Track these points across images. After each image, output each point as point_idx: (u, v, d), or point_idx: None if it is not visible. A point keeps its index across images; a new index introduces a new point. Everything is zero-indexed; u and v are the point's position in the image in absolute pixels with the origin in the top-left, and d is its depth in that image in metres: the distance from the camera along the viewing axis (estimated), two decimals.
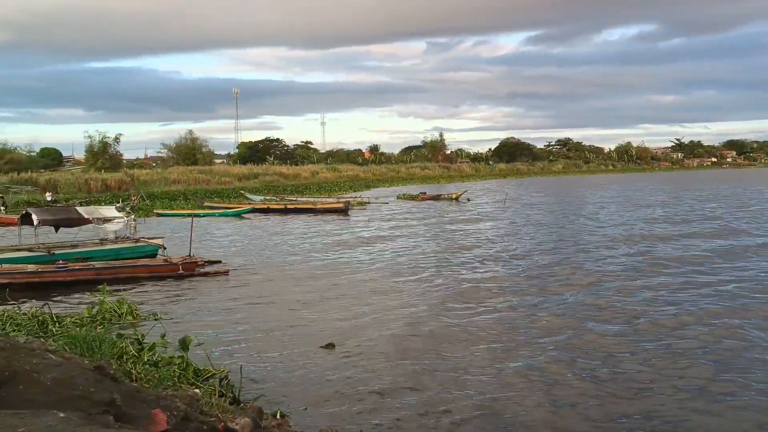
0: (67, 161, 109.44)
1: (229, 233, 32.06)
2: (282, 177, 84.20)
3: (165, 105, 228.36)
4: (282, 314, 14.30)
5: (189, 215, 31.44)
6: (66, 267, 18.14)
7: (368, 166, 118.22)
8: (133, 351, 9.26)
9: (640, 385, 9.49)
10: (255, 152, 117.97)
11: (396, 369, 10.33)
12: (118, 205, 32.65)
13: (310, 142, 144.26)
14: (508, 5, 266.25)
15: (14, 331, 10.88)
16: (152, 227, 33.14)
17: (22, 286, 17.02)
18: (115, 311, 13.18)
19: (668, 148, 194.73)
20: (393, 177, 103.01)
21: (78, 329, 10.23)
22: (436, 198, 56.79)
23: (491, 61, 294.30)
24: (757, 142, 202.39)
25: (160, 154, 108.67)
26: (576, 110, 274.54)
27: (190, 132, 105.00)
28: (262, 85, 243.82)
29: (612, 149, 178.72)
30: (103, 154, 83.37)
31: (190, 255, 20.23)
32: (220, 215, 42.50)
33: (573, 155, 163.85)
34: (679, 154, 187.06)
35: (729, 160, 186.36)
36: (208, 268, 19.98)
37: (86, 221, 21.66)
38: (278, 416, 8.02)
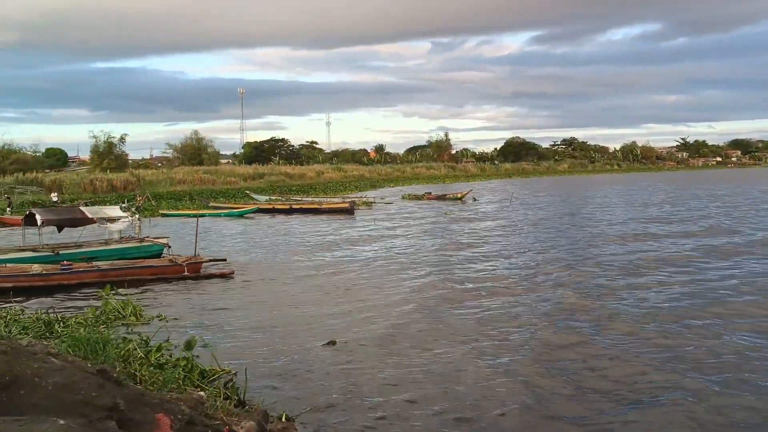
0: (73, 161, 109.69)
1: (234, 233, 32.02)
2: (287, 177, 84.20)
3: (170, 105, 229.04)
4: (287, 314, 14.22)
5: (194, 215, 31.42)
6: (70, 267, 18.07)
7: (373, 166, 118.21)
8: (141, 353, 9.18)
9: (649, 385, 9.40)
10: (260, 152, 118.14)
11: (400, 368, 10.24)
12: (123, 205, 32.65)
13: (316, 142, 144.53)
14: (512, 5, 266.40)
15: (20, 333, 10.81)
16: (158, 227, 33.10)
17: (26, 289, 16.97)
18: (119, 312, 13.11)
19: (673, 147, 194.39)
20: (398, 177, 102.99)
21: (82, 330, 10.15)
22: (442, 198, 56.68)
23: (495, 61, 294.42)
24: (762, 141, 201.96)
25: (165, 155, 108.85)
26: (580, 110, 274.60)
27: (196, 132, 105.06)
28: (267, 85, 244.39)
29: (617, 149, 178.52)
30: (108, 155, 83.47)
31: (195, 255, 20.16)
32: (226, 215, 42.48)
33: (578, 155, 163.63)
34: (684, 154, 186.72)
35: (734, 159, 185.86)
36: (212, 269, 19.91)
37: (90, 221, 21.62)
38: (284, 419, 7.93)
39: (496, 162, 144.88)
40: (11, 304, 14.88)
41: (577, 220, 35.58)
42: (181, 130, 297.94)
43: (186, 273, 18.94)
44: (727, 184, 76.96)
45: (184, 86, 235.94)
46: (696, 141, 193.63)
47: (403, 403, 8.83)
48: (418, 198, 57.67)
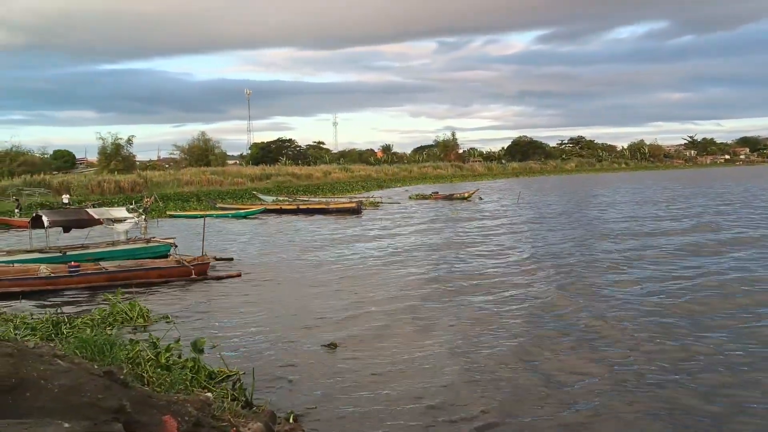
0: (80, 163, 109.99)
1: (241, 234, 32.03)
2: (294, 177, 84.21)
3: (177, 106, 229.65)
4: (294, 315, 14.20)
5: (201, 216, 31.45)
6: (78, 269, 18.10)
7: (380, 165, 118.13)
8: (149, 355, 9.16)
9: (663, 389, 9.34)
10: (267, 153, 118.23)
11: (407, 369, 10.21)
12: (130, 206, 32.71)
13: (323, 143, 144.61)
14: (518, 4, 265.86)
15: (27, 335, 10.82)
16: (165, 228, 33.16)
17: (35, 292, 17.02)
18: (126, 314, 13.11)
19: (681, 145, 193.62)
20: (405, 177, 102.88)
21: (89, 331, 10.15)
22: (449, 197, 56.58)
23: (501, 60, 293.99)
24: None
25: (172, 156, 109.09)
26: (587, 109, 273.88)
27: (203, 133, 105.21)
28: (274, 85, 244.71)
29: (625, 147, 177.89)
30: (115, 156, 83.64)
31: (203, 256, 20.17)
32: (233, 216, 42.51)
33: (586, 154, 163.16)
34: (692, 152, 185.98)
35: (742, 157, 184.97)
36: (220, 271, 19.91)
37: (97, 222, 21.67)
38: (291, 420, 7.91)
39: (503, 161, 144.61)
40: (19, 305, 14.93)
41: (583, 219, 35.44)
42: (188, 131, 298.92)
43: (193, 274, 18.94)
44: (744, 181, 76.56)
45: (191, 87, 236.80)
46: (704, 139, 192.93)
47: (410, 404, 8.80)
48: (425, 198, 57.61)
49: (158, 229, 31.79)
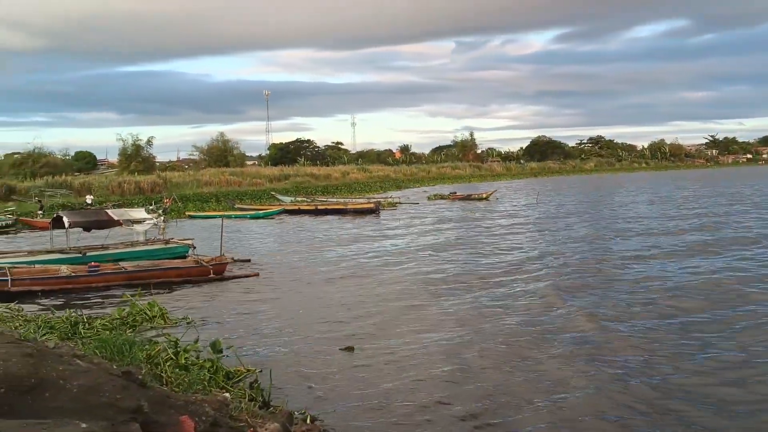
0: (101, 164, 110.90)
1: (259, 234, 32.17)
2: (313, 178, 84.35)
3: (196, 107, 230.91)
4: (311, 315, 14.23)
5: (220, 217, 31.63)
6: (98, 269, 18.30)
7: (399, 166, 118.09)
8: (170, 354, 9.22)
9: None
10: (286, 153, 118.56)
11: (424, 372, 10.19)
12: (149, 207, 32.93)
13: (341, 143, 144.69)
14: (536, 4, 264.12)
15: (47, 333, 10.93)
16: (184, 229, 33.39)
17: (55, 291, 17.24)
18: (146, 314, 13.20)
19: (702, 144, 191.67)
20: (424, 177, 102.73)
21: (108, 333, 10.24)
22: (467, 198, 56.46)
23: (520, 60, 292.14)
24: None
25: (192, 157, 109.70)
26: (607, 108, 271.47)
27: (222, 134, 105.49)
28: (292, 86, 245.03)
29: (645, 147, 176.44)
30: (135, 157, 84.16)
31: (221, 256, 20.29)
32: (251, 217, 42.70)
33: (605, 153, 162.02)
34: (714, 151, 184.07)
35: (765, 156, 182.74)
36: (237, 271, 20.00)
37: (116, 223, 21.85)
38: (308, 421, 7.92)
39: (521, 161, 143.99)
40: (40, 305, 15.09)
41: (601, 220, 35.20)
42: (207, 132, 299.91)
43: (211, 274, 19.07)
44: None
45: (210, 89, 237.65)
46: (725, 138, 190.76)
47: (427, 408, 8.77)
48: (443, 198, 57.54)
49: (177, 229, 32.03)
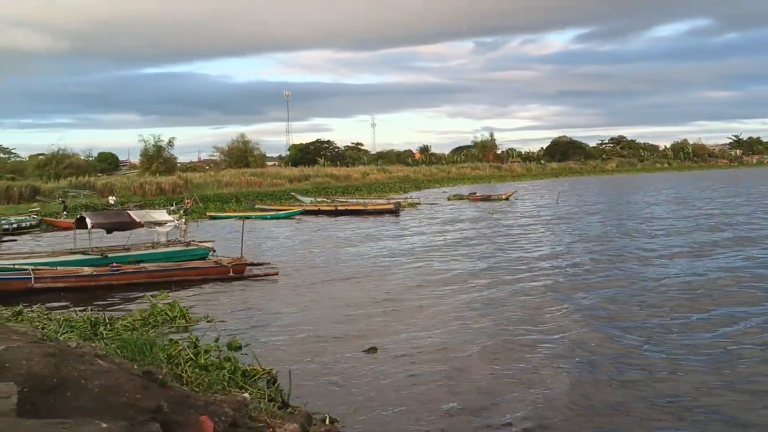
0: (124, 165, 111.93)
1: (279, 235, 32.28)
2: (333, 178, 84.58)
3: (217, 108, 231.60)
4: (330, 315, 14.25)
5: (240, 217, 31.78)
6: (119, 269, 18.53)
7: (418, 166, 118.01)
8: (190, 354, 9.29)
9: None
10: (306, 154, 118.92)
11: (442, 374, 10.16)
12: (171, 207, 33.17)
13: (361, 144, 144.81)
14: (556, 3, 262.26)
15: (68, 332, 11.05)
16: (205, 230, 33.60)
17: (77, 289, 17.45)
18: (167, 314, 13.30)
19: (726, 144, 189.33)
20: (443, 177, 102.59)
21: (130, 333, 10.33)
22: (487, 198, 56.29)
23: (540, 60, 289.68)
24: None
25: (212, 157, 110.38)
26: (628, 108, 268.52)
27: (242, 135, 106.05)
28: (312, 87, 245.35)
29: (667, 147, 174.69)
30: (157, 158, 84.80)
31: (240, 257, 20.40)
32: (271, 217, 42.88)
33: (627, 153, 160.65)
34: (738, 151, 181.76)
35: None
36: (257, 270, 20.11)
37: (138, 225, 22.04)
38: (327, 422, 7.93)
39: (542, 162, 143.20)
40: (62, 305, 15.25)
41: (621, 221, 34.93)
42: (227, 133, 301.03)
43: (231, 274, 19.19)
44: None
45: (231, 90, 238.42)
46: (750, 138, 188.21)
47: (450, 410, 8.75)
48: (462, 198, 57.40)
49: (198, 230, 32.22)
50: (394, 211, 43.62)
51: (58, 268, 18.65)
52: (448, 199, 58.35)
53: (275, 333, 12.85)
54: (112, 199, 50.21)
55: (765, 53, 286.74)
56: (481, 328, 12.91)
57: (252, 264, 20.54)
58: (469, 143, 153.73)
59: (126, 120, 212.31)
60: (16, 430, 3.64)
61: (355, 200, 53.85)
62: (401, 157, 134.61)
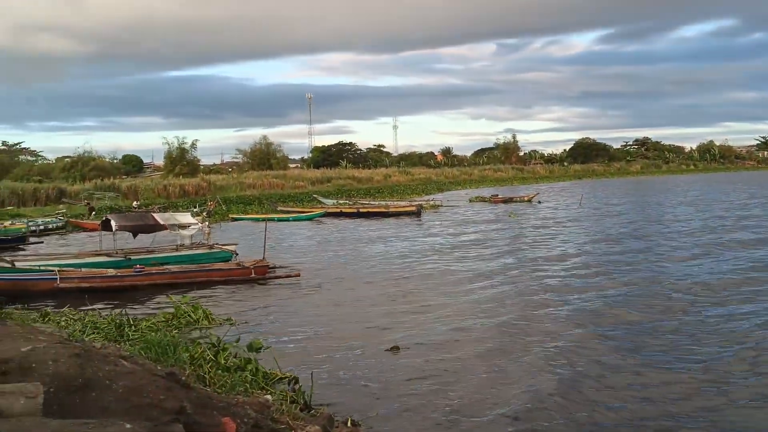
0: (148, 167, 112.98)
1: (302, 237, 32.40)
2: (355, 180, 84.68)
3: (239, 111, 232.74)
4: (352, 317, 14.29)
5: (263, 219, 31.91)
6: (143, 271, 18.74)
7: (440, 168, 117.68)
8: (210, 355, 9.35)
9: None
10: (328, 156, 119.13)
11: (465, 375, 10.13)
12: (194, 210, 33.40)
13: (383, 146, 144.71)
14: (579, 4, 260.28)
15: (93, 334, 11.17)
16: (228, 232, 33.80)
17: (102, 290, 17.66)
18: (190, 316, 13.40)
19: (753, 146, 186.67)
20: (465, 179, 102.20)
21: (153, 334, 10.42)
22: (509, 200, 56.01)
23: (563, 61, 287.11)
24: None
25: (235, 159, 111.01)
26: (653, 109, 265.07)
27: (265, 137, 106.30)
28: (334, 89, 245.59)
29: (693, 148, 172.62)
30: (180, 160, 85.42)
31: (263, 259, 20.49)
32: (294, 219, 43.03)
33: (651, 155, 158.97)
34: (765, 153, 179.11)
35: None
36: (279, 272, 20.19)
37: (162, 227, 22.21)
38: (349, 424, 7.93)
39: (565, 163, 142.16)
40: (87, 306, 15.42)
41: (645, 225, 34.59)
42: (250, 135, 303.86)
43: (253, 275, 19.31)
44: None
45: (253, 92, 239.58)
46: None
47: (474, 412, 8.72)
48: (485, 201, 57.19)
49: (221, 232, 32.42)
50: (416, 213, 43.58)
51: (83, 269, 18.89)
52: (470, 201, 58.18)
53: (297, 334, 12.89)
54: (135, 204, 50.84)
55: None
56: (507, 329, 12.86)
57: (274, 266, 20.62)
58: (491, 145, 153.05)
59: (150, 122, 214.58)
60: (42, 431, 3.69)
61: (377, 202, 53.86)
62: (423, 159, 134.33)
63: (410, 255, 24.21)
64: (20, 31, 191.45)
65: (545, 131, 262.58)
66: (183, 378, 5.74)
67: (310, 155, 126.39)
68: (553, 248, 25.07)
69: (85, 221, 40.42)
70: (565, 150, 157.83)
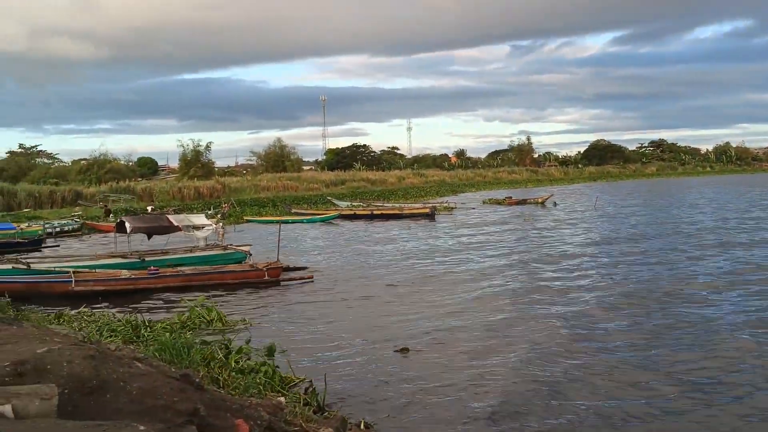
0: (162, 170, 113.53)
1: (315, 239, 32.47)
2: (369, 183, 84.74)
3: (253, 114, 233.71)
4: (365, 319, 14.30)
5: (277, 221, 32.02)
6: (157, 273, 18.83)
7: (454, 170, 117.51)
8: (221, 356, 9.39)
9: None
10: (342, 158, 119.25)
11: (478, 377, 10.09)
12: (208, 212, 33.56)
13: (397, 148, 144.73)
14: (593, 6, 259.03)
15: (110, 336, 11.24)
16: (243, 234, 33.91)
17: (116, 292, 17.77)
18: (204, 318, 13.45)
19: None
20: (479, 182, 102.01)
21: (168, 335, 10.46)
22: (523, 202, 55.86)
23: (577, 63, 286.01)
24: None
25: (249, 162, 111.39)
26: (668, 111, 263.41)
27: (279, 140, 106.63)
28: (348, 92, 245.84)
29: (709, 150, 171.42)
30: (195, 163, 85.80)
31: (276, 261, 20.54)
32: (308, 221, 43.12)
33: (667, 157, 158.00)
34: None
35: None
36: (293, 274, 20.24)
37: (176, 229, 22.34)
38: (362, 425, 7.93)
39: (579, 165, 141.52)
40: (102, 307, 15.53)
41: (660, 227, 34.35)
42: (264, 137, 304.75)
43: (266, 277, 19.35)
44: None
45: (267, 95, 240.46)
46: None
47: (484, 414, 8.69)
48: (499, 203, 57.07)
49: (236, 234, 32.54)
50: (430, 215, 43.56)
51: (98, 271, 19.03)
52: (484, 203, 58.10)
53: (310, 336, 12.91)
54: (150, 208, 51.24)
55: None
56: (517, 332, 12.80)
57: (288, 268, 20.67)
58: (505, 147, 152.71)
59: (165, 125, 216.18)
60: None
61: (391, 204, 53.84)
62: (437, 162, 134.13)
63: (423, 257, 24.19)
64: (37, 34, 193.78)
65: (559, 133, 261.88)
66: (197, 380, 5.75)
67: (324, 157, 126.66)
68: (563, 252, 24.92)
69: (100, 223, 40.74)
70: (579, 152, 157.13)
